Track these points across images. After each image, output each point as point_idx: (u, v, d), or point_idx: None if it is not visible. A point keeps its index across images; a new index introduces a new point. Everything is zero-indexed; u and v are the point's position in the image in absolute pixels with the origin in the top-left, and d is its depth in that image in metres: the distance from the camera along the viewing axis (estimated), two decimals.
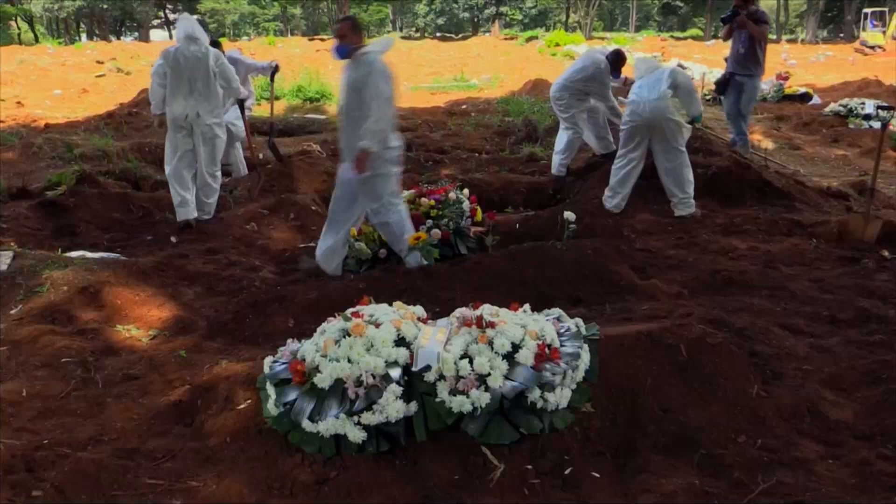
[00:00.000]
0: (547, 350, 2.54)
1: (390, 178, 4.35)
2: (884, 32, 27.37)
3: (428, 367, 2.40)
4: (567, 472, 2.30)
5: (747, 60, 7.25)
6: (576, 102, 6.68)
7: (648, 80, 5.55)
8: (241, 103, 6.39)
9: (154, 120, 5.83)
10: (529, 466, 2.31)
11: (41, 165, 7.34)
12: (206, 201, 5.83)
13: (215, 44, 5.92)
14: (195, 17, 5.95)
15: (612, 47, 7.52)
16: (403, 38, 42.36)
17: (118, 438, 2.54)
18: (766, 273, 4.22)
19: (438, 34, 51.82)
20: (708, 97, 14.01)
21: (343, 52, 4.28)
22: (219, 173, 5.91)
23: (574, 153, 6.99)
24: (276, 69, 7.04)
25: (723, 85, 7.64)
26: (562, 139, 6.91)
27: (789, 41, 38.05)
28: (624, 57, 6.80)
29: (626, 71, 6.88)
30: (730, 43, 7.56)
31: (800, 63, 19.57)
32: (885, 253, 4.57)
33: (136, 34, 48.64)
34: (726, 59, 7.70)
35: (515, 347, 2.50)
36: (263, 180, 6.56)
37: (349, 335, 2.51)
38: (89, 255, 4.74)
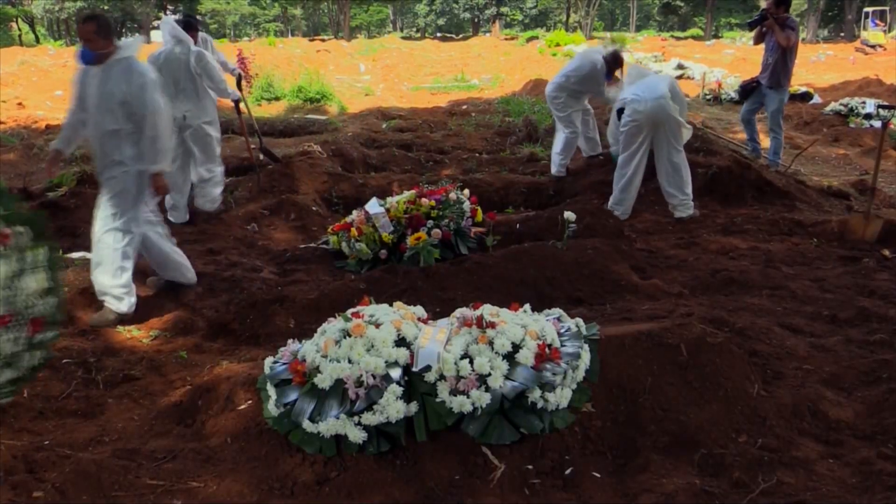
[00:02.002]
0: (547, 350, 2.54)
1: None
2: (885, 32, 27.34)
3: (428, 368, 2.40)
4: (567, 471, 2.30)
5: (775, 71, 7.01)
6: (572, 102, 6.70)
7: (646, 82, 5.57)
8: (236, 103, 6.39)
9: None
10: (530, 466, 2.31)
11: (42, 167, 7.35)
12: (210, 191, 5.89)
13: (190, 24, 5.89)
14: (174, 17, 5.95)
15: (610, 47, 7.53)
16: (404, 38, 42.37)
17: (119, 439, 2.55)
18: (767, 273, 4.22)
19: (439, 34, 51.85)
20: (708, 97, 14.03)
21: (90, 57, 3.73)
22: (217, 168, 5.92)
23: (573, 152, 7.01)
24: (239, 91, 6.70)
25: (745, 90, 7.51)
26: (559, 139, 6.94)
27: None
28: (621, 59, 6.81)
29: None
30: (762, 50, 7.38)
31: (800, 62, 19.52)
32: (886, 252, 4.57)
33: (137, 35, 48.73)
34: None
35: (516, 347, 2.50)
36: (262, 181, 6.57)
37: (349, 335, 2.51)
38: (90, 255, 4.74)
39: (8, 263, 2.32)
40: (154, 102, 3.71)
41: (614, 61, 6.65)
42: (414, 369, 2.42)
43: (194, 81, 5.53)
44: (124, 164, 3.81)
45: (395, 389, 2.35)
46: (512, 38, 37.20)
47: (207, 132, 5.70)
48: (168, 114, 3.86)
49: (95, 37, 3.70)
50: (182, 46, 5.51)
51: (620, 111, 5.64)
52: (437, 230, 4.71)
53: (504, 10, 50.40)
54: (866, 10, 30.73)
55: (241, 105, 6.32)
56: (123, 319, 3.84)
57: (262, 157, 7.06)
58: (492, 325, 2.56)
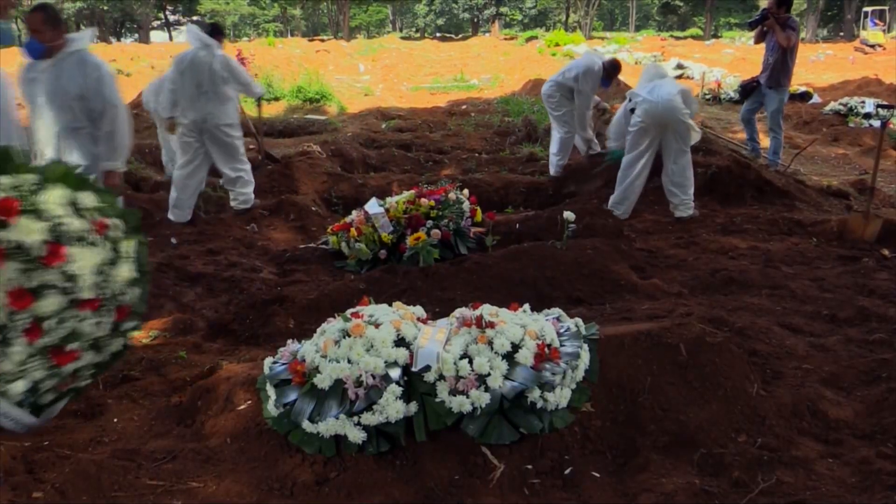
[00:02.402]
0: (547, 350, 2.54)
1: None
2: (884, 31, 27.35)
3: (428, 368, 2.40)
4: (567, 471, 2.30)
5: (775, 71, 7.03)
6: (566, 102, 6.74)
7: (658, 84, 5.53)
8: (258, 100, 6.52)
9: (165, 123, 5.88)
10: (529, 466, 2.31)
11: None
12: (241, 191, 5.95)
13: (217, 29, 5.97)
14: (206, 21, 6.12)
15: (612, 48, 7.61)
16: (403, 38, 42.36)
17: (118, 439, 2.55)
18: (766, 272, 4.22)
19: (438, 34, 51.85)
20: (708, 96, 14.04)
21: (39, 50, 3.46)
22: (244, 166, 5.94)
23: (569, 152, 7.02)
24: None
25: (745, 90, 7.54)
26: (555, 140, 6.97)
27: None
28: (619, 67, 6.84)
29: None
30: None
31: (800, 62, 19.53)
32: (885, 252, 4.57)
33: (136, 36, 48.65)
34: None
35: (515, 347, 2.49)
36: (262, 182, 6.58)
37: (349, 336, 2.51)
38: None
39: (103, 251, 2.46)
40: (113, 96, 3.51)
41: (612, 68, 6.70)
42: (413, 369, 2.42)
43: (216, 84, 5.57)
44: (92, 169, 3.60)
45: (395, 389, 2.35)
46: (511, 38, 37.20)
47: (228, 133, 5.71)
48: (126, 109, 3.64)
49: (44, 27, 3.51)
50: (207, 50, 5.56)
51: (633, 110, 5.63)
52: (437, 230, 4.71)
53: (503, 10, 50.38)
54: (865, 9, 30.73)
55: (242, 105, 6.37)
56: None
57: (260, 157, 7.07)
58: (491, 325, 2.56)
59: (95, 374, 2.66)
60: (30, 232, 2.26)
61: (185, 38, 5.79)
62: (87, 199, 2.48)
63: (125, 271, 2.54)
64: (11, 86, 3.13)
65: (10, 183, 2.30)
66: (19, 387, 2.35)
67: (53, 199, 2.35)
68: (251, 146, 6.93)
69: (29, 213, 2.28)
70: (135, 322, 2.73)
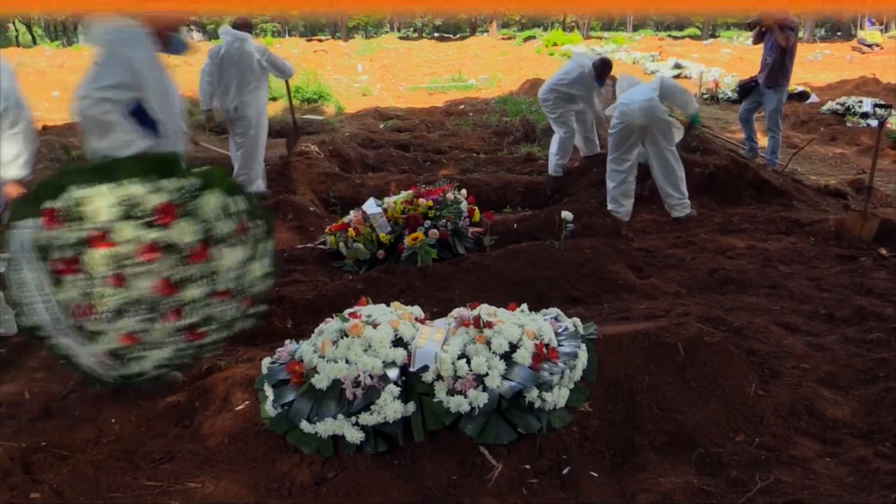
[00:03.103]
0: (545, 350, 2.54)
1: None
2: (882, 31, 27.40)
3: (425, 368, 2.40)
4: (565, 471, 2.30)
5: (773, 71, 7.05)
6: (562, 103, 6.77)
7: (635, 88, 5.57)
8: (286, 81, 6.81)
9: (203, 115, 6.08)
10: (528, 466, 2.31)
11: (39, 167, 7.32)
12: None
13: (246, 23, 6.16)
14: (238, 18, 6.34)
15: (609, 47, 7.61)
16: (401, 38, 42.36)
17: (116, 440, 2.54)
18: (764, 272, 4.23)
19: (436, 34, 51.83)
20: (705, 96, 14.04)
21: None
22: (257, 166, 6.14)
23: (569, 153, 7.03)
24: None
25: (744, 89, 7.56)
26: (555, 140, 6.99)
27: None
28: (609, 65, 6.86)
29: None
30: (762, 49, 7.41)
31: (797, 61, 19.53)
32: (883, 251, 4.58)
33: None
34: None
35: (513, 347, 2.50)
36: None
37: (347, 336, 2.51)
38: None
39: (244, 250, 2.68)
40: (10, 94, 3.13)
41: (602, 66, 6.72)
42: (411, 369, 2.42)
43: (251, 74, 5.79)
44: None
45: (393, 389, 2.35)
46: (509, 38, 37.17)
47: (255, 126, 5.93)
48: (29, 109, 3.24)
49: None
50: (241, 42, 5.79)
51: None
52: (435, 230, 4.71)
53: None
54: None
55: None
56: None
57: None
58: (489, 325, 2.56)
59: (218, 348, 2.90)
60: (184, 234, 2.49)
61: (225, 32, 6.00)
62: (239, 203, 2.65)
63: (259, 268, 2.76)
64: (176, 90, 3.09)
65: (174, 185, 2.49)
66: (156, 355, 2.65)
67: (209, 203, 2.54)
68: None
69: (186, 216, 2.50)
70: (264, 307, 2.95)
